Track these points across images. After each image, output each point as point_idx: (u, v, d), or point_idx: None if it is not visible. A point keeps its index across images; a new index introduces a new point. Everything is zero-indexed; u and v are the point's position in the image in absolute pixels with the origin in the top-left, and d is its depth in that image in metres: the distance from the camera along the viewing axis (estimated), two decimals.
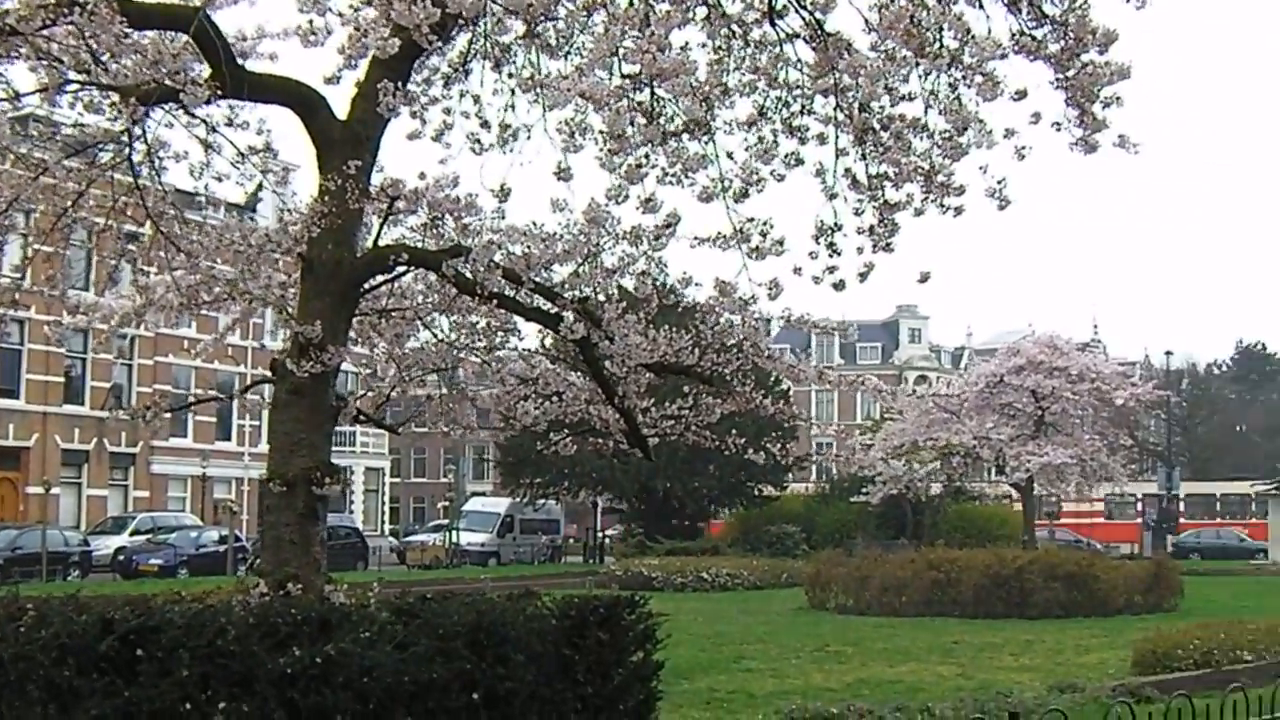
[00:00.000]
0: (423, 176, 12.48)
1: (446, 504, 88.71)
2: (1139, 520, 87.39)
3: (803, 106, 11.77)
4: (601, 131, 11.14)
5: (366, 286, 12.93)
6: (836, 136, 11.71)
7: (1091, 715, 8.15)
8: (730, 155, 11.62)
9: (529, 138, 11.85)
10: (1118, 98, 10.95)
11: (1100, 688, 18.70)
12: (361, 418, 14.08)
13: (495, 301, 12.34)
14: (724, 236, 11.60)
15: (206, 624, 10.36)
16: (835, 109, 11.57)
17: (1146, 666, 22.41)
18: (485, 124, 12.31)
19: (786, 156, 11.71)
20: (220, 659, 10.06)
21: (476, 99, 12.43)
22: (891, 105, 11.50)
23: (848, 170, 11.79)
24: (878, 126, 11.48)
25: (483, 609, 11.41)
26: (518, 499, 76.72)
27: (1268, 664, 20.90)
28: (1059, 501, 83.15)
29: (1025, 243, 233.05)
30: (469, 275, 11.98)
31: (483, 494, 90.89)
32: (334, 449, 13.11)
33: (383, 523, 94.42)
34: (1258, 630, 24.49)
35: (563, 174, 11.31)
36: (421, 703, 10.68)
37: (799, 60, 11.59)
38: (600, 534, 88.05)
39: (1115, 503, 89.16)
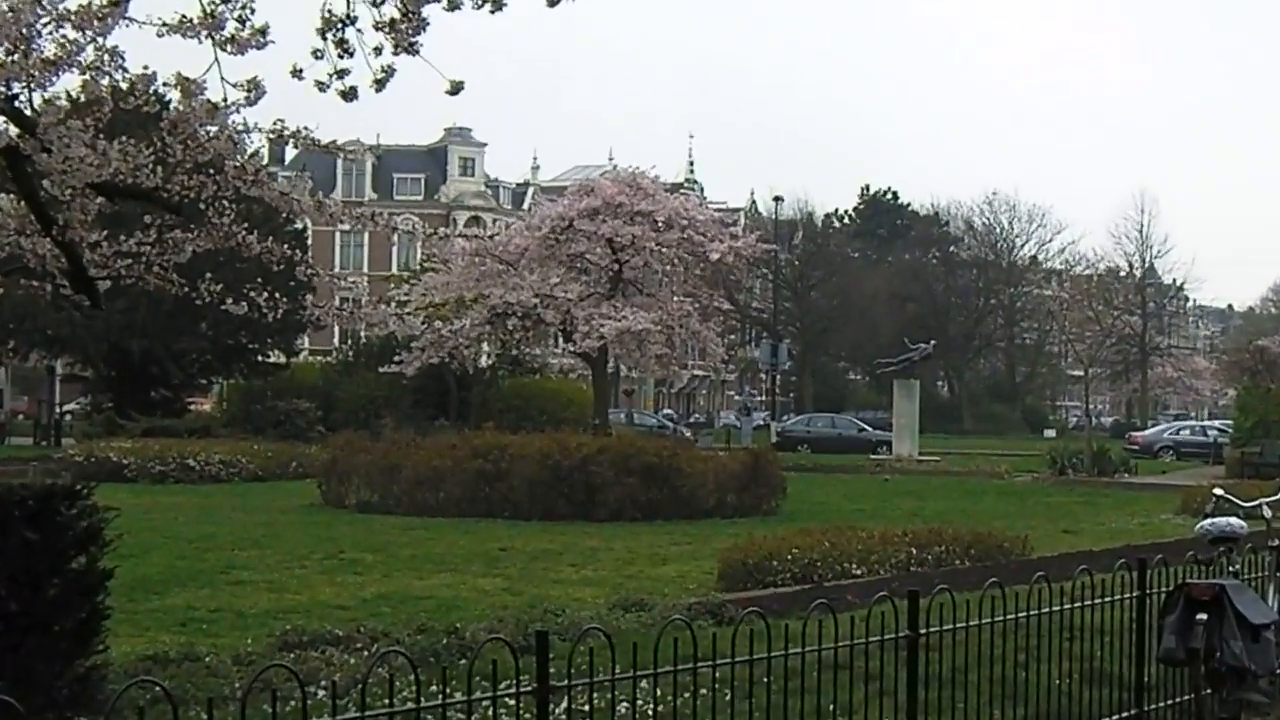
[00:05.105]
0: None
1: None
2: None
3: None
4: None
5: None
6: None
7: (648, 638, 8.32)
8: None
9: None
10: None
11: (673, 606, 19.19)
12: None
13: None
14: (190, 22, 11.36)
15: None
16: None
17: (734, 580, 23.16)
18: None
19: None
20: None
21: None
22: None
23: None
24: None
25: None
26: None
27: (880, 579, 21.75)
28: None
29: (618, 61, 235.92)
30: None
31: None
32: None
33: None
34: (871, 539, 25.51)
35: None
36: None
37: None
38: (58, 409, 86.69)
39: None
